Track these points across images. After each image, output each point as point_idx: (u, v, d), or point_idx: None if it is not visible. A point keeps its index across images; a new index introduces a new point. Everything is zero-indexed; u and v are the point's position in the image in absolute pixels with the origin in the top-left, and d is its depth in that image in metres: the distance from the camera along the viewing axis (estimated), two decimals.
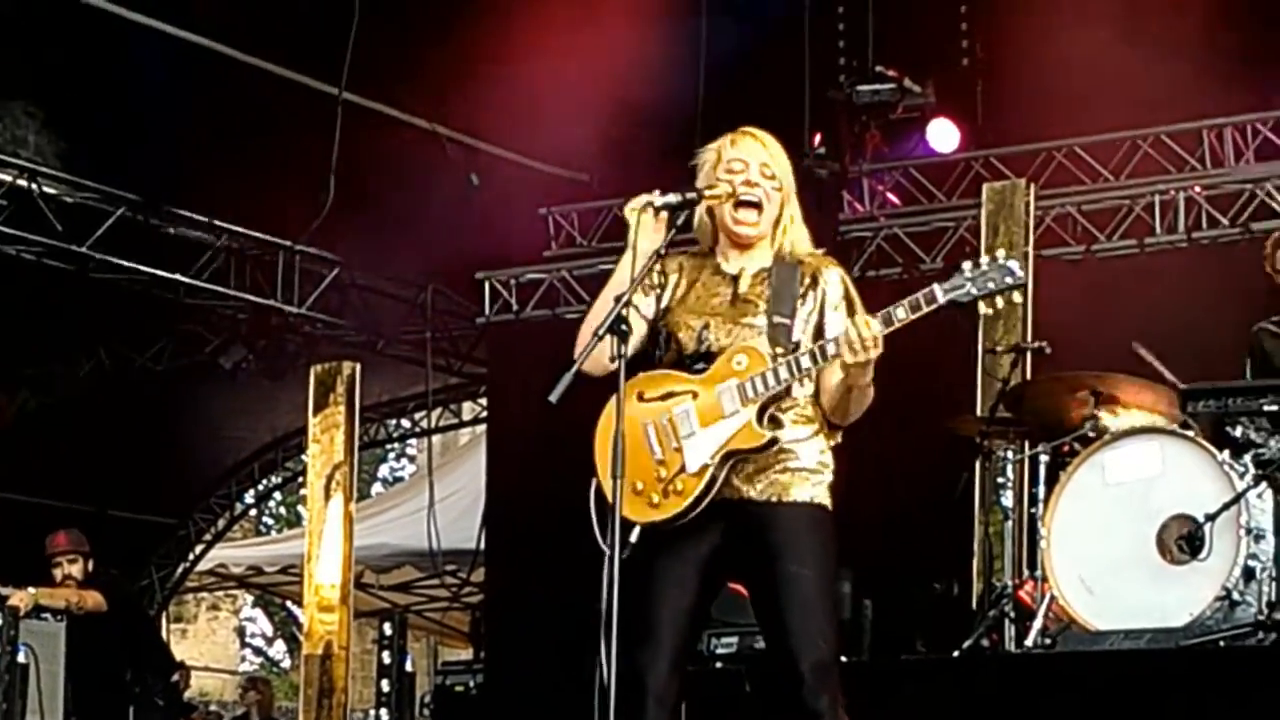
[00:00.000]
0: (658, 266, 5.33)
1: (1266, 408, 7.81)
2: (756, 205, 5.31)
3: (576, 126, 11.97)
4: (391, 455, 32.90)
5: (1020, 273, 5.05)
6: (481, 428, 16.81)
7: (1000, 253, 5.09)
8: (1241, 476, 7.58)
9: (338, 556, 12.23)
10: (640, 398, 5.25)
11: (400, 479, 31.33)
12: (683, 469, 5.20)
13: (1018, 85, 11.13)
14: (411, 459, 31.35)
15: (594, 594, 4.96)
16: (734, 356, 5.24)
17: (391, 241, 13.22)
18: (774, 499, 5.20)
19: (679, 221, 5.29)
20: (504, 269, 13.25)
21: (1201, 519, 7.50)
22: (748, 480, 5.21)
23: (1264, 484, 7.60)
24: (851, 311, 5.27)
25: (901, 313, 5.09)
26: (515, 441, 13.01)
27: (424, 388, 14.78)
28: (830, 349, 5.11)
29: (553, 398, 4.95)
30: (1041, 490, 8.27)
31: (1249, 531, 7.50)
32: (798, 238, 5.40)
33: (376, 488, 31.19)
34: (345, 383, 12.50)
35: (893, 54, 11.09)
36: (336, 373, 12.59)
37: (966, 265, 5.10)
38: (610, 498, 5.08)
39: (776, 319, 5.24)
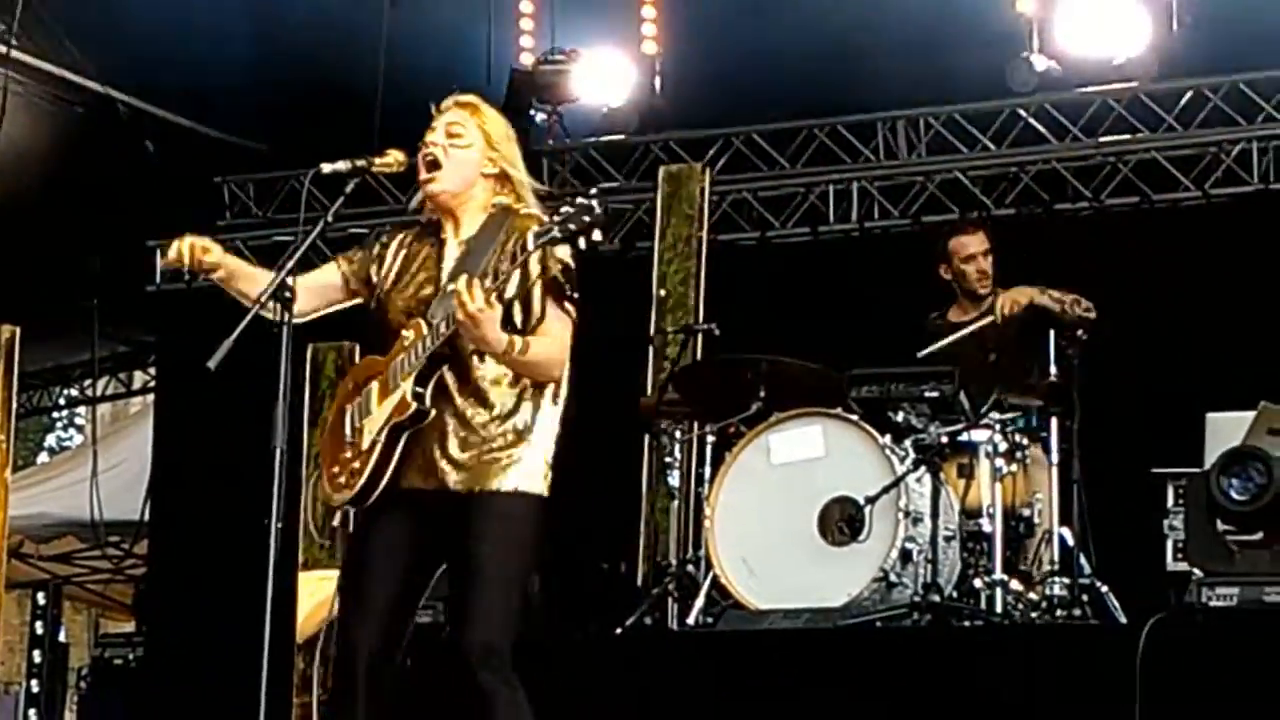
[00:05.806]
0: (382, 239, 5.42)
1: (927, 394, 8.02)
2: (433, 163, 5.29)
3: (255, 96, 11.80)
4: (59, 425, 32.13)
5: (599, 210, 5.00)
6: (152, 397, 16.46)
7: (593, 191, 5.10)
8: (902, 460, 7.77)
9: None
10: (351, 385, 5.29)
11: (67, 448, 30.60)
12: (361, 449, 5.21)
13: (699, 71, 11.21)
14: (80, 429, 30.63)
15: (258, 570, 4.90)
16: (405, 332, 5.21)
17: (60, 206, 12.88)
18: (476, 489, 5.17)
19: (348, 190, 5.27)
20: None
21: (862, 501, 7.66)
22: (449, 468, 5.18)
23: (923, 468, 7.80)
24: (553, 291, 5.24)
25: (505, 265, 5.08)
26: (183, 412, 12.78)
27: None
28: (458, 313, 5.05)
29: (211, 364, 4.87)
30: (708, 470, 8.35)
31: (907, 514, 7.69)
32: (518, 202, 5.38)
33: (43, 457, 30.41)
34: (4, 346, 12.09)
35: (574, 33, 11.11)
36: None
37: (558, 212, 5.08)
38: (314, 486, 5.11)
39: (451, 288, 5.16)
